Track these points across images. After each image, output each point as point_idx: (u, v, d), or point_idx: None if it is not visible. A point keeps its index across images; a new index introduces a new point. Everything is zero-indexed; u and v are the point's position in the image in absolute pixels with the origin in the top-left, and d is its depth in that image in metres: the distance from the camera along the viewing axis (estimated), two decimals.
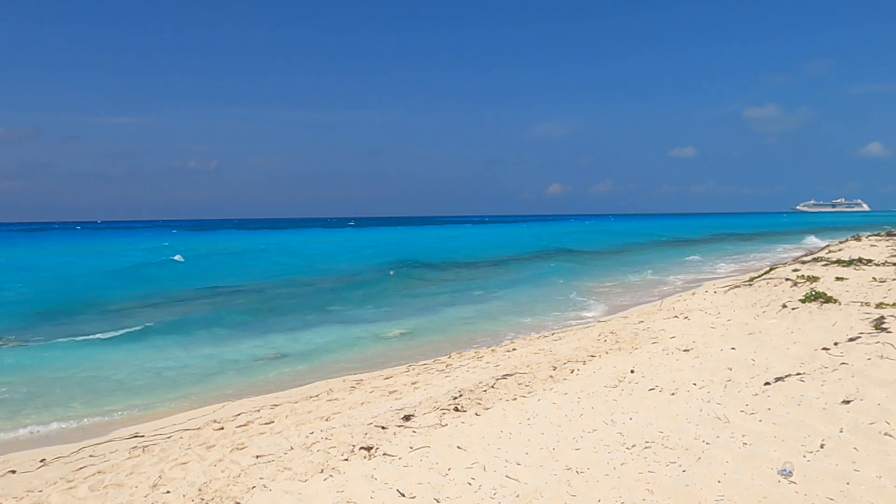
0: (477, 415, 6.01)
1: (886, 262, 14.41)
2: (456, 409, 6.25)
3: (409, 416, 6.23)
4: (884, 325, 7.30)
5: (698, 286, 17.40)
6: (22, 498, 5.45)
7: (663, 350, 7.93)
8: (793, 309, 9.43)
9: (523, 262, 32.45)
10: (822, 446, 4.30)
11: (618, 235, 61.96)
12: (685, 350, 7.73)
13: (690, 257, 31.41)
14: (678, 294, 15.67)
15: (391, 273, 25.22)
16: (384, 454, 5.21)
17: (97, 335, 13.82)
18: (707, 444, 4.59)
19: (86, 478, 5.77)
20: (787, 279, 12.44)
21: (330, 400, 7.89)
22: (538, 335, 11.51)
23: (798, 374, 5.93)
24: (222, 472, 5.47)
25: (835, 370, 5.84)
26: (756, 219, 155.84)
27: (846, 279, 11.89)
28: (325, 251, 43.37)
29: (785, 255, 28.25)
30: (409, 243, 53.34)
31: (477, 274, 27.44)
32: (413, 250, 41.88)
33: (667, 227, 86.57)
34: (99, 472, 5.88)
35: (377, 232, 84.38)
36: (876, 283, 11.09)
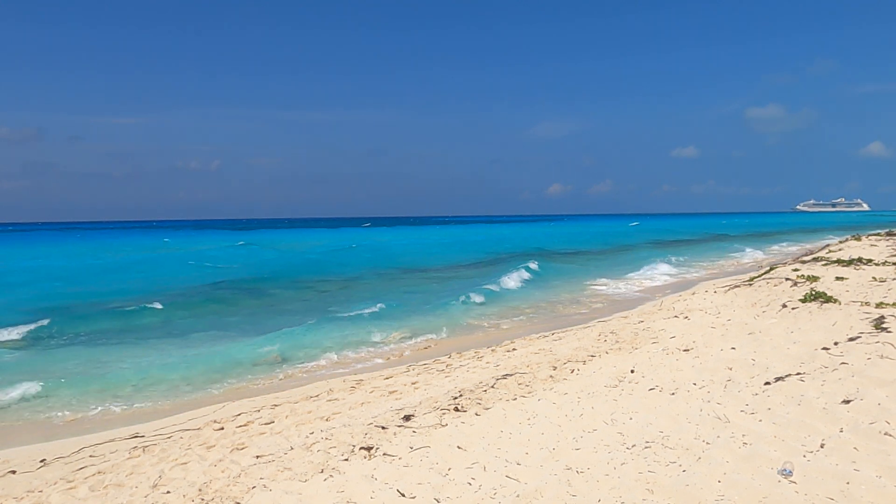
0: (477, 415, 6.01)
1: (886, 261, 14.41)
2: (456, 409, 6.25)
3: (409, 416, 6.23)
4: (884, 325, 7.30)
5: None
6: (22, 498, 5.44)
7: (663, 350, 7.93)
8: (793, 309, 9.43)
9: (621, 251, 37.88)
10: (822, 446, 4.30)
11: (663, 233, 65.26)
12: (685, 350, 7.73)
13: (748, 250, 33.75)
14: (678, 294, 15.67)
15: (534, 265, 27.51)
16: (384, 454, 5.21)
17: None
18: (707, 444, 4.59)
19: (86, 478, 5.76)
20: (787, 279, 12.44)
21: (330, 400, 7.88)
22: (538, 335, 11.50)
23: (798, 373, 5.93)
24: (222, 472, 5.47)
25: (835, 370, 5.84)
26: (767, 218, 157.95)
27: (846, 279, 11.89)
28: (413, 247, 46.20)
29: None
30: (490, 237, 59.31)
31: (616, 259, 31.92)
32: (510, 242, 48.56)
33: (693, 226, 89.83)
34: (99, 472, 5.87)
35: (416, 231, 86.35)
36: (876, 283, 11.09)
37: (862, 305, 8.91)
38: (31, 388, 9.64)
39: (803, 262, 16.58)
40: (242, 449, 6.12)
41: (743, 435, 4.66)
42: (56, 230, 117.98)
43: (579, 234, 63.37)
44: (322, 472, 5.00)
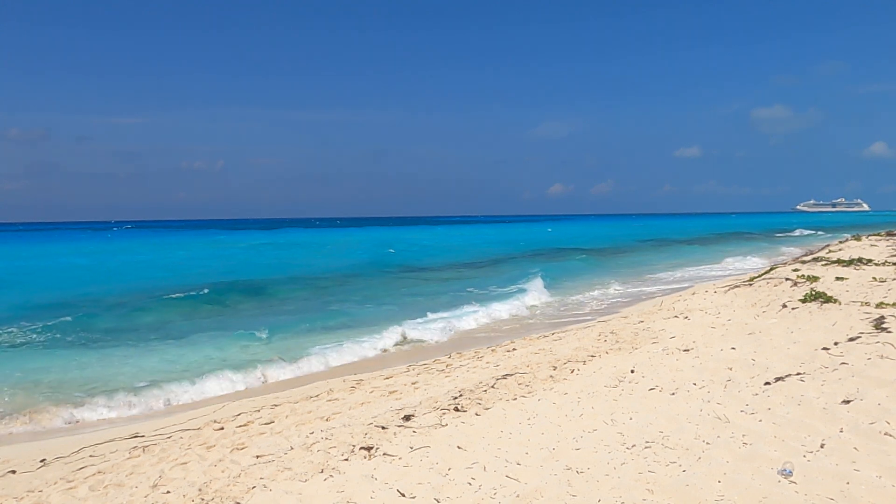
0: (477, 415, 6.01)
1: (886, 261, 14.41)
2: (456, 409, 6.25)
3: (410, 416, 6.24)
4: (884, 325, 7.30)
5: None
6: (22, 498, 5.44)
7: (663, 350, 7.93)
8: (793, 309, 9.43)
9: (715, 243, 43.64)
10: (822, 446, 4.30)
11: (716, 228, 72.88)
12: (685, 350, 7.73)
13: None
14: (678, 294, 15.67)
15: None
16: (384, 454, 5.21)
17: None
18: (707, 444, 4.59)
19: (86, 478, 5.76)
20: (787, 279, 12.44)
21: (330, 400, 7.89)
22: (538, 335, 11.51)
23: (798, 373, 5.94)
24: (222, 472, 5.47)
25: (835, 370, 5.84)
26: (774, 218, 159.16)
27: (846, 279, 11.89)
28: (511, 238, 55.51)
29: None
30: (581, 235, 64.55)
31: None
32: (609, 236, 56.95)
33: (724, 224, 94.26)
34: (99, 472, 5.87)
35: (456, 229, 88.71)
36: (876, 283, 11.09)
37: (862, 305, 8.91)
38: (31, 387, 9.65)
39: (803, 262, 16.58)
40: (242, 449, 6.12)
41: (743, 435, 4.66)
42: (85, 231, 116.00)
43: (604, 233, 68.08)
44: (322, 472, 5.00)
